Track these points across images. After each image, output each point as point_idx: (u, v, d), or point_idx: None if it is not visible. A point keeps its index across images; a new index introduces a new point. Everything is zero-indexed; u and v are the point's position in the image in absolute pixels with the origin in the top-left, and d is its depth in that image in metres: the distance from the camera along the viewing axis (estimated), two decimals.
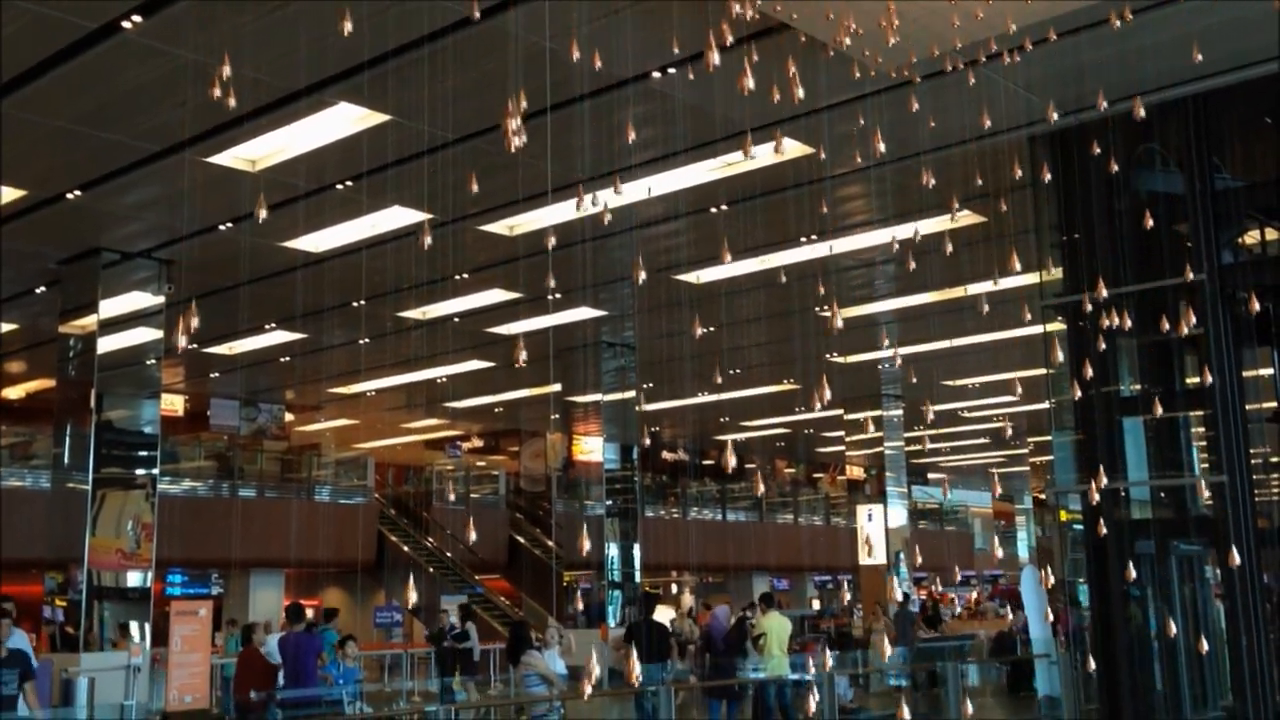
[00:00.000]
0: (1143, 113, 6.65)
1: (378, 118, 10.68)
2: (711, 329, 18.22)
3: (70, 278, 15.40)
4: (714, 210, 13.12)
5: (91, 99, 10.39)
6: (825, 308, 17.36)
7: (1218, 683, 11.10)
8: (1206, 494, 11.18)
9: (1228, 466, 10.20)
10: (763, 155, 11.53)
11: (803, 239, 14.25)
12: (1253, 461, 10.49)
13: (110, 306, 14.98)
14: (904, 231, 12.96)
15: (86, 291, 15.03)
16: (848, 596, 20.06)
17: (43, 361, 19.52)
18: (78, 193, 12.62)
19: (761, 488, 24.21)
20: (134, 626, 14.38)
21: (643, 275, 5.63)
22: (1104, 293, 7.12)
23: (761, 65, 5.61)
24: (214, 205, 12.79)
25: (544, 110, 9.39)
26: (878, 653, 16.69)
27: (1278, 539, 10.71)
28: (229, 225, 13.53)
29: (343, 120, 10.85)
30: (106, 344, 14.93)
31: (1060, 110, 10.68)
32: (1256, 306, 8.21)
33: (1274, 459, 11.03)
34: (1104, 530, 6.30)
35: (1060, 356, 10.79)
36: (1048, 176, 6.82)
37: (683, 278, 15.99)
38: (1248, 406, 10.49)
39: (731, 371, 22.09)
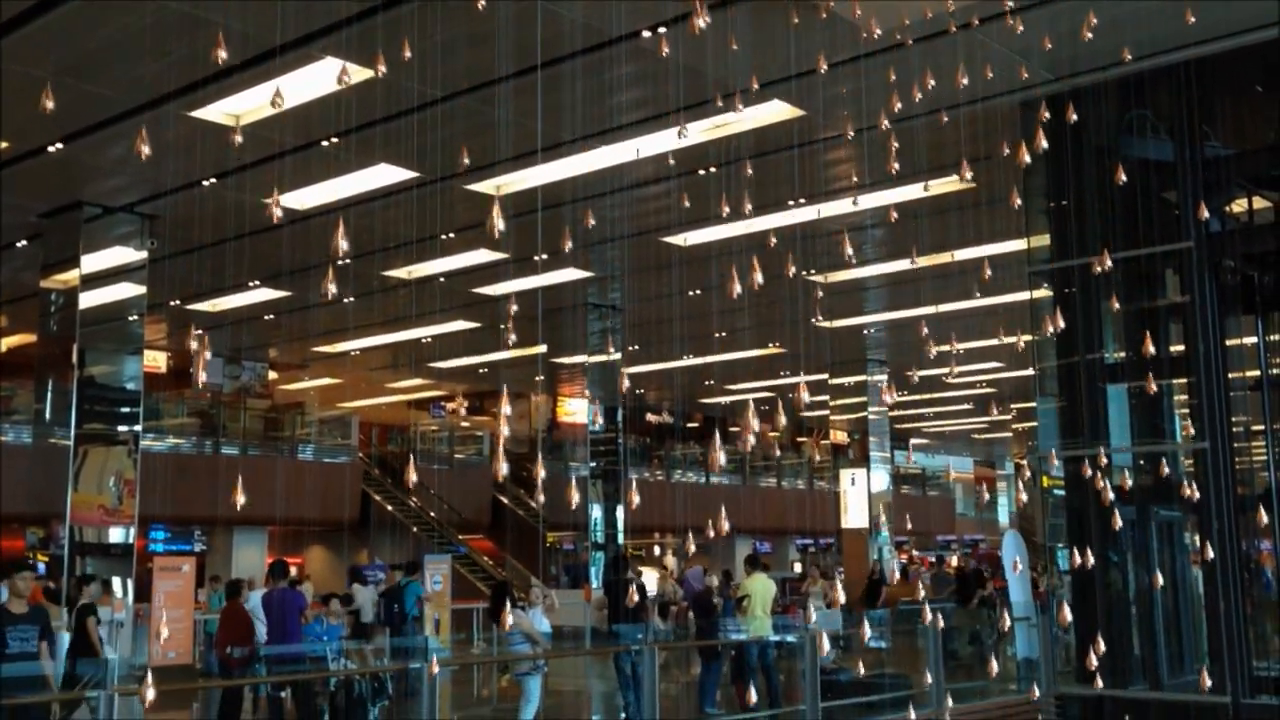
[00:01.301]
0: None
1: (364, 73, 10.56)
2: (697, 292, 18.20)
3: (52, 231, 15.26)
4: (702, 172, 13.06)
5: (74, 49, 10.26)
6: (814, 273, 17.38)
7: (1194, 647, 11.22)
8: (1188, 461, 11.25)
9: (1209, 433, 10.26)
10: (752, 117, 11.50)
11: (791, 202, 14.21)
12: (1234, 429, 10.56)
13: (92, 261, 14.85)
14: (893, 196, 12.99)
15: (68, 246, 14.90)
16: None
17: (24, 316, 19.39)
18: (59, 145, 12.48)
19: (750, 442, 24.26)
20: (116, 582, 14.38)
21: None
22: (1107, 262, 7.10)
23: (753, 25, 5.57)
24: (197, 160, 12.66)
25: (534, 68, 9.35)
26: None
27: (1256, 505, 10.80)
28: (213, 180, 13.42)
29: (329, 76, 10.72)
30: (88, 299, 14.82)
31: (1053, 75, 10.70)
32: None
33: (1255, 426, 11.09)
34: (1108, 499, 6.32)
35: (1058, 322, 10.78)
36: (1040, 145, 6.73)
37: (670, 240, 15.94)
38: (1230, 374, 10.55)
39: (717, 335, 22.08)
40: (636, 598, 15.95)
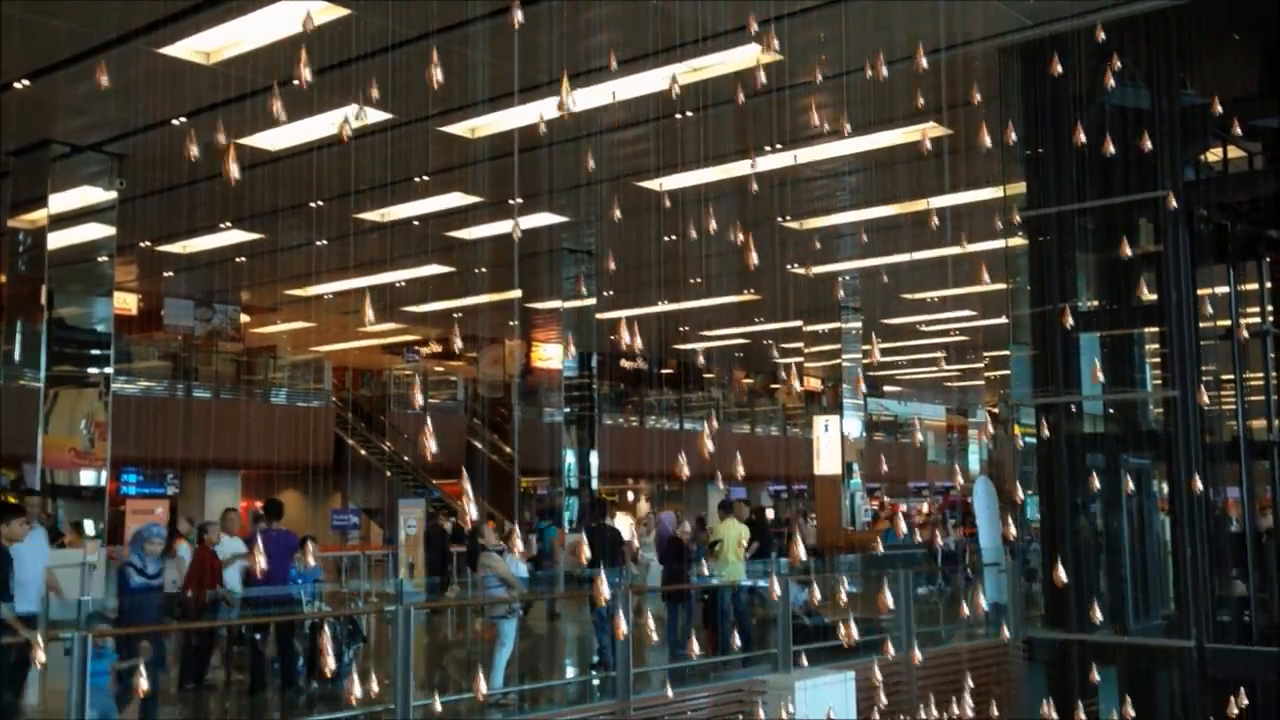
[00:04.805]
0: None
1: (337, 11, 10.41)
2: (673, 237, 18.13)
3: (19, 170, 15.04)
4: (679, 116, 12.96)
5: None
6: (788, 218, 17.35)
7: (1160, 592, 11.40)
8: (1157, 409, 11.37)
9: (1179, 382, 10.35)
10: (728, 61, 11.41)
11: (767, 148, 14.14)
12: (1204, 378, 10.65)
13: (61, 201, 14.66)
14: (870, 142, 12.95)
15: (36, 185, 14.69)
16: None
17: None
18: (26, 82, 12.26)
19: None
20: (89, 525, 14.33)
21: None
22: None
23: None
24: (167, 98, 12.47)
25: (509, 8, 9.21)
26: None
27: (1224, 454, 10.94)
28: (182, 120, 13.23)
29: (300, 13, 10.55)
30: (57, 239, 14.64)
31: (1030, 21, 10.65)
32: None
33: (1225, 376, 11.20)
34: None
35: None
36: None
37: (646, 184, 15.85)
38: (1201, 324, 10.63)
39: (693, 281, 22.04)
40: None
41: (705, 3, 9.49)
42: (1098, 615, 5.30)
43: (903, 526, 21.61)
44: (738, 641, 11.88)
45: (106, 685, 8.63)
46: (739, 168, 14.70)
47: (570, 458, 22.60)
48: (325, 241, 18.90)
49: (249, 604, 11.37)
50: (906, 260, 19.55)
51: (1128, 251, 7.61)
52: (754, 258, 5.21)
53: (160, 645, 10.20)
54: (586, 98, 12.32)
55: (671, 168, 14.88)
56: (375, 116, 12.92)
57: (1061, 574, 5.78)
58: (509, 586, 11.15)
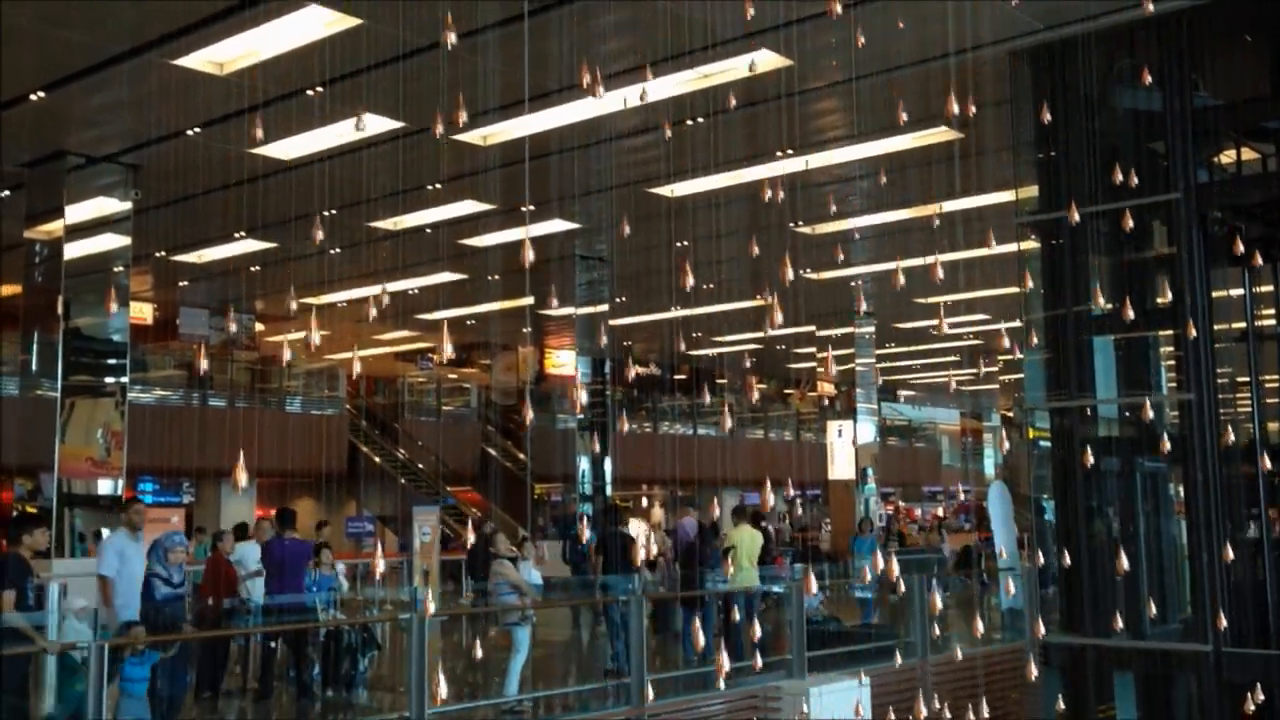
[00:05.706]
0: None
1: (349, 21, 10.45)
2: (684, 243, 18.15)
3: (35, 182, 15.12)
4: (689, 122, 12.97)
5: None
6: (799, 224, 17.32)
7: (1177, 597, 11.33)
8: (1173, 412, 11.31)
9: (1195, 385, 10.30)
10: (739, 68, 11.41)
11: (778, 153, 14.14)
12: (1219, 381, 10.60)
13: (76, 212, 14.74)
14: (879, 147, 12.94)
15: (52, 196, 14.78)
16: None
17: (8, 267, 19.22)
18: (41, 94, 12.33)
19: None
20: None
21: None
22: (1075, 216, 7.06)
23: None
24: (181, 109, 12.54)
25: (520, 16, 9.27)
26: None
27: (1240, 457, 10.87)
28: (197, 130, 13.29)
29: (313, 23, 10.61)
30: (73, 250, 14.72)
31: (1043, 24, 10.64)
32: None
33: (1240, 379, 11.15)
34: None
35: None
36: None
37: (657, 191, 15.86)
38: (1216, 326, 10.58)
39: (705, 286, 22.01)
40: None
41: (714, 4, 9.50)
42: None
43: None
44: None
45: (143, 692, 8.65)
46: (751, 173, 14.71)
47: (584, 464, 22.61)
48: (338, 250, 18.95)
49: (267, 612, 11.41)
50: (919, 264, 19.45)
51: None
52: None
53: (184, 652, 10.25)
54: (598, 104, 12.35)
55: (683, 173, 14.92)
56: (387, 125, 12.97)
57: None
58: (522, 593, 11.16)
